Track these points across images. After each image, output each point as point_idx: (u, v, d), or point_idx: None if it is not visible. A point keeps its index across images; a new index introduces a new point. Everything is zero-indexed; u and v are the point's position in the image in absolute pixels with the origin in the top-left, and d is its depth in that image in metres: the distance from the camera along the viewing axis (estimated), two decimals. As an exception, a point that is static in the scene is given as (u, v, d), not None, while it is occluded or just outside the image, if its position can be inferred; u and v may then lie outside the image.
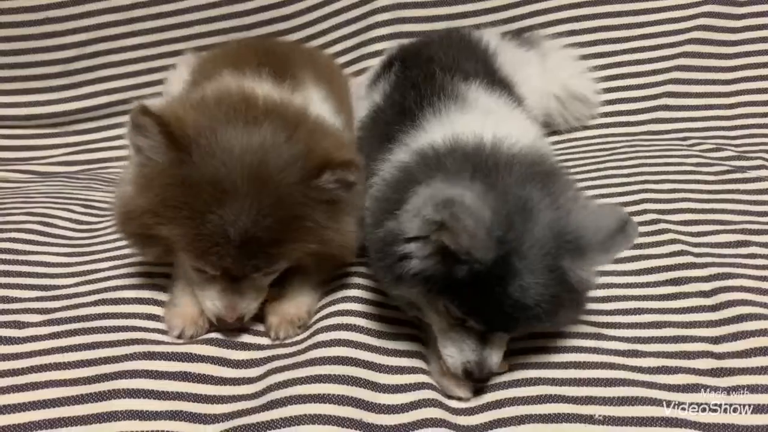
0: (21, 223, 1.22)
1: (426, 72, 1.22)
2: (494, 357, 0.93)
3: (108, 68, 1.61)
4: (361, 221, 1.05)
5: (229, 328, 1.01)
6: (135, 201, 0.95)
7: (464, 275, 0.85)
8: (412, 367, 0.97)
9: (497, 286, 0.85)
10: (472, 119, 1.06)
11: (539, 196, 0.90)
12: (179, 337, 1.00)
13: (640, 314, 1.07)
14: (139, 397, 0.90)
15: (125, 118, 1.49)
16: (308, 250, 0.97)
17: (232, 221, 0.90)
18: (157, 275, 1.11)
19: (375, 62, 1.53)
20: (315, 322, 1.04)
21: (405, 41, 1.57)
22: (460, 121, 1.06)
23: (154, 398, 0.91)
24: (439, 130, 1.04)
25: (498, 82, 1.25)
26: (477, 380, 0.93)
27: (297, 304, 1.05)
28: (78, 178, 1.49)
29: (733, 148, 1.49)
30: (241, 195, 0.90)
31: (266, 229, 0.91)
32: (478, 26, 1.60)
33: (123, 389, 0.91)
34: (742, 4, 1.63)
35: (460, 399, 0.95)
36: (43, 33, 1.57)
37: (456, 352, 0.92)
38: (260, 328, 1.05)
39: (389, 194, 0.99)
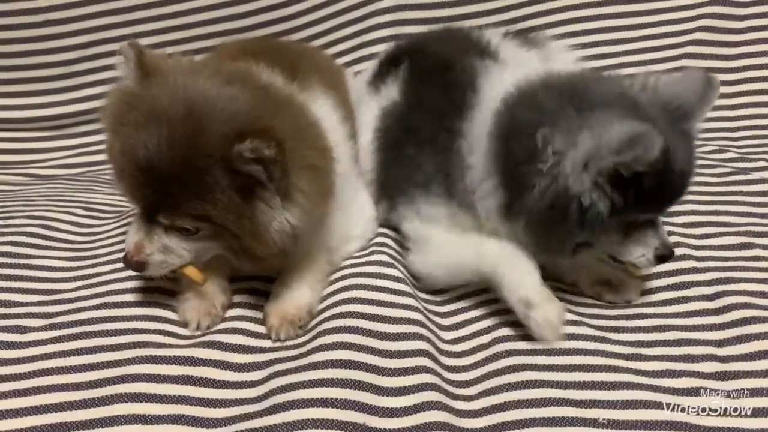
0: (22, 226, 1.22)
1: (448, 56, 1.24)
2: (665, 233, 1.05)
3: (109, 71, 1.60)
4: (296, 225, 0.98)
5: (129, 268, 1.02)
6: (104, 106, 1.03)
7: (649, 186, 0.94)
8: (416, 366, 0.96)
9: (668, 178, 0.96)
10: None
11: (625, 88, 1.02)
12: (197, 329, 1.02)
13: (643, 318, 1.07)
14: (141, 401, 0.90)
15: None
16: (211, 217, 0.93)
17: (145, 141, 0.91)
18: (159, 279, 1.10)
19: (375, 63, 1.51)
20: (317, 324, 1.03)
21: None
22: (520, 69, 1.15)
23: (157, 402, 0.91)
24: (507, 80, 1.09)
25: None
26: (668, 257, 1.05)
27: (297, 304, 1.05)
28: (79, 181, 1.49)
29: (736, 149, 1.49)
30: (162, 122, 0.91)
31: (170, 165, 0.91)
32: (480, 28, 1.58)
33: (125, 393, 0.91)
34: (745, 5, 1.63)
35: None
36: (44, 35, 1.57)
37: (643, 249, 1.03)
38: (261, 330, 1.05)
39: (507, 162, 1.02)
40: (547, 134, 0.97)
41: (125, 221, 1.26)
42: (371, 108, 1.31)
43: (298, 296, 1.06)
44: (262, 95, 0.99)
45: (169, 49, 1.61)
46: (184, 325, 1.04)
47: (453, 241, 1.13)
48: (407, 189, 1.18)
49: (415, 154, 1.16)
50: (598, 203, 0.96)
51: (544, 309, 1.00)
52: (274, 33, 1.62)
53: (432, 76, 1.23)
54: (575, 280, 1.13)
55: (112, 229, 1.25)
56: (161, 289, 1.09)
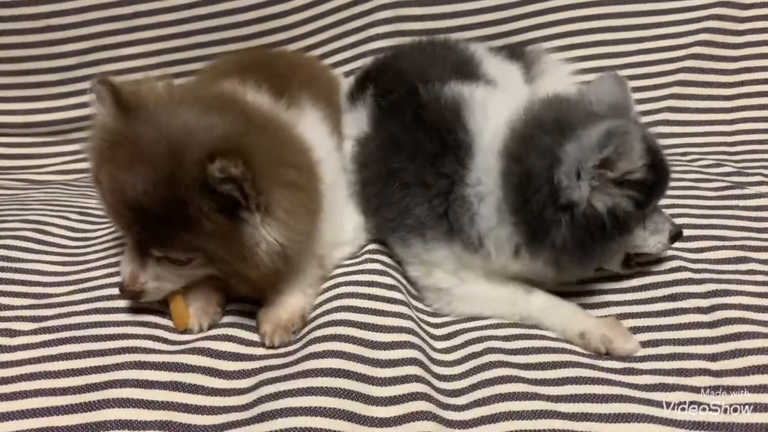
0: (16, 230, 1.22)
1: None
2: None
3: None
4: (291, 246, 0.98)
5: (126, 298, 1.04)
6: (89, 146, 1.04)
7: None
8: (406, 375, 0.96)
9: (660, 165, 1.04)
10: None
11: (583, 106, 1.10)
12: (200, 331, 1.04)
13: (636, 332, 1.06)
14: (128, 407, 0.90)
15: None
16: (201, 246, 0.95)
17: (131, 182, 0.92)
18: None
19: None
20: (308, 333, 1.03)
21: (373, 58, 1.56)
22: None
23: (144, 408, 0.90)
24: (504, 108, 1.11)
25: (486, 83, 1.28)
26: (680, 234, 1.13)
27: (290, 309, 1.05)
28: (74, 186, 1.49)
29: (733, 163, 1.49)
30: (144, 162, 0.92)
31: (156, 205, 0.92)
32: (478, 24, 1.63)
33: (113, 399, 0.90)
34: (743, 20, 1.63)
35: (631, 353, 1.03)
36: (44, 41, 1.57)
37: (659, 236, 1.10)
38: (252, 337, 1.04)
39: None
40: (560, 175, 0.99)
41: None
42: (348, 123, 1.32)
43: (291, 302, 1.06)
44: (239, 118, 1.00)
45: (170, 57, 1.62)
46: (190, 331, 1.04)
47: (479, 295, 1.13)
48: (398, 231, 1.16)
49: (401, 197, 1.13)
50: (621, 203, 1.01)
51: (600, 331, 1.04)
52: (272, 42, 1.63)
53: (403, 107, 1.19)
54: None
55: (106, 234, 1.25)
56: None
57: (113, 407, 0.89)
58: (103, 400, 0.90)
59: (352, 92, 1.36)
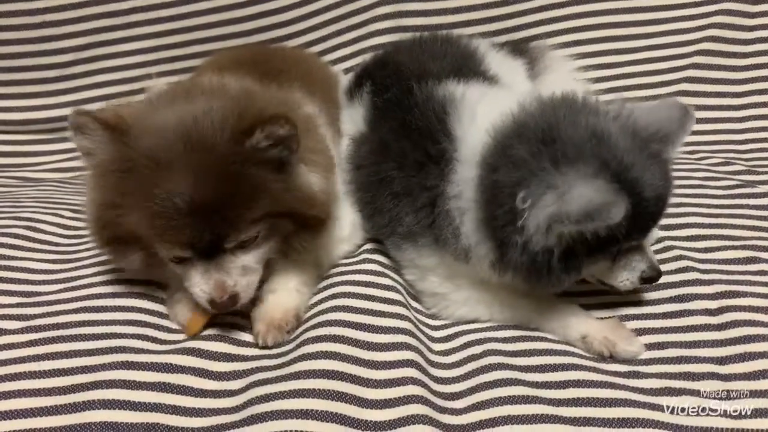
0: (6, 227, 1.20)
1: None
2: (652, 254, 1.05)
3: (105, 73, 1.59)
4: (328, 167, 1.05)
5: (225, 311, 0.98)
6: (94, 200, 0.96)
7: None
8: (403, 378, 0.93)
9: (641, 207, 0.94)
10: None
11: (598, 120, 0.97)
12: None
13: (641, 334, 1.03)
14: (114, 408, 0.87)
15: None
16: (267, 209, 0.94)
17: (177, 191, 0.89)
18: (141, 283, 1.08)
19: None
20: (302, 333, 1.00)
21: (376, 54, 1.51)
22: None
23: (130, 409, 0.87)
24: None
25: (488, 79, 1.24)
26: (655, 279, 1.04)
27: (284, 308, 1.02)
28: (69, 184, 1.47)
29: (743, 162, 1.45)
30: (178, 164, 0.89)
31: (209, 194, 0.90)
32: (480, 20, 1.60)
33: (98, 400, 0.88)
34: (753, 15, 1.60)
35: (635, 355, 0.99)
36: (40, 37, 1.56)
37: (628, 274, 1.02)
38: (244, 337, 1.02)
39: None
40: (525, 195, 0.93)
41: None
42: (346, 119, 1.29)
43: (285, 301, 1.04)
44: (238, 95, 0.99)
45: (167, 53, 1.60)
46: (181, 328, 1.01)
47: (476, 300, 1.10)
48: (391, 237, 1.14)
49: (392, 206, 1.11)
50: (577, 250, 0.94)
51: (603, 334, 1.01)
52: (272, 38, 1.61)
53: (395, 108, 1.16)
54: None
55: (97, 233, 1.22)
56: (144, 294, 1.07)
57: (99, 408, 0.87)
58: (88, 401, 0.87)
59: (350, 88, 1.33)
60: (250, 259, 0.98)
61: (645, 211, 0.95)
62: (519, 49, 1.53)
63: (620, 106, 1.01)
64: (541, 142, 0.95)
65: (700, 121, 1.56)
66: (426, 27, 1.60)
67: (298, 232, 1.02)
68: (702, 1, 1.60)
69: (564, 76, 1.53)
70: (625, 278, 1.03)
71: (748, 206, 1.28)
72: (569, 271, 0.97)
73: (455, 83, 1.14)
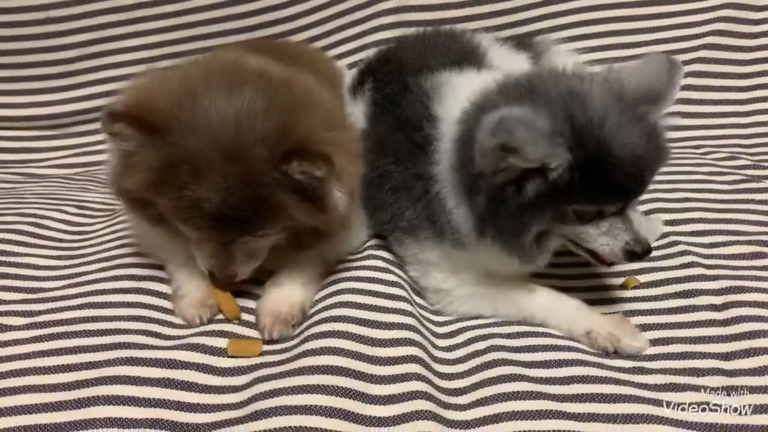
0: (11, 224, 1.20)
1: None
2: (642, 230, 0.99)
3: (110, 69, 1.59)
4: (351, 193, 1.04)
5: (221, 282, 1.03)
6: (123, 181, 0.97)
7: (572, 177, 0.90)
8: (406, 374, 0.92)
9: (612, 166, 0.91)
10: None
11: (581, 83, 0.96)
12: (200, 324, 1.02)
13: (646, 330, 1.03)
14: (118, 404, 0.87)
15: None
16: (287, 225, 0.97)
17: (206, 197, 0.90)
18: (146, 278, 1.08)
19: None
20: (306, 329, 1.00)
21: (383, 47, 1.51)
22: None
23: (135, 405, 0.87)
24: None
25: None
26: (640, 256, 0.98)
27: (289, 302, 1.03)
28: (74, 180, 1.47)
29: (748, 156, 1.44)
30: (213, 173, 0.90)
31: (237, 207, 0.91)
32: (484, 14, 1.59)
33: (102, 396, 0.88)
34: (759, 9, 1.59)
35: (639, 351, 0.99)
36: (45, 33, 1.56)
37: (609, 239, 0.97)
38: (250, 333, 1.02)
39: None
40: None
41: (118, 220, 1.24)
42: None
43: (291, 295, 1.04)
44: (285, 90, 0.98)
45: (171, 49, 1.59)
46: (187, 324, 1.02)
47: (480, 295, 1.09)
48: (393, 232, 1.15)
49: (393, 201, 1.12)
50: (526, 187, 0.92)
51: (607, 329, 1.01)
52: (276, 33, 1.60)
53: (393, 104, 1.16)
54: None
55: (104, 228, 1.23)
56: (148, 290, 1.06)
57: (103, 404, 0.87)
58: (92, 397, 0.87)
59: (353, 85, 1.33)
60: (259, 245, 1.00)
61: (617, 171, 0.91)
62: (523, 43, 1.52)
63: (607, 71, 1.00)
64: (517, 97, 0.95)
65: (705, 115, 1.56)
66: (430, 22, 1.59)
67: (310, 232, 1.01)
68: (709, -5, 1.59)
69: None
70: (605, 243, 0.98)
71: (753, 201, 1.27)
72: (530, 219, 0.94)
73: (447, 72, 1.14)
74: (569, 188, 0.91)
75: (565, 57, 1.55)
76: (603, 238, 0.97)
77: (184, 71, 0.99)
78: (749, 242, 1.17)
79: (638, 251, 0.97)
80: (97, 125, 1.59)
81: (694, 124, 1.54)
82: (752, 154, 1.46)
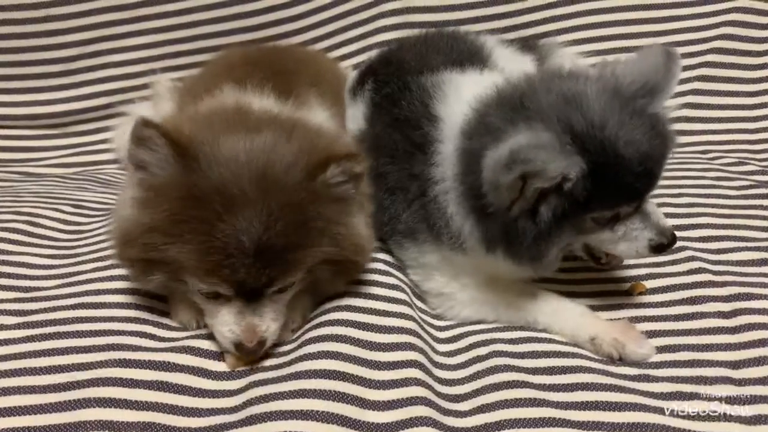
0: (7, 222, 1.18)
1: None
2: (660, 219, 0.98)
3: (110, 68, 1.58)
4: (370, 223, 1.03)
5: (249, 357, 0.93)
6: (138, 221, 0.89)
7: (584, 185, 0.88)
8: (406, 378, 0.90)
9: (620, 167, 0.89)
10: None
11: (575, 85, 0.93)
12: (197, 327, 0.98)
13: (652, 337, 1.00)
14: (110, 407, 0.85)
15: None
16: (323, 255, 0.91)
17: (245, 228, 0.84)
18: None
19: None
20: (303, 333, 0.98)
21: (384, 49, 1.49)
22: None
23: (127, 408, 0.85)
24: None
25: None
26: (668, 246, 0.97)
27: (290, 306, 0.99)
28: (71, 179, 1.45)
29: (756, 162, 1.42)
30: (251, 201, 0.85)
31: (279, 234, 0.86)
32: (489, 16, 1.57)
33: (94, 398, 0.86)
34: (767, 14, 1.56)
35: (645, 358, 0.96)
36: (44, 31, 1.54)
37: (629, 245, 0.97)
38: (245, 337, 0.99)
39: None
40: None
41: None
42: (349, 117, 1.27)
43: (292, 299, 1.00)
44: (296, 126, 0.97)
45: (173, 48, 1.58)
46: (183, 328, 0.99)
47: (482, 300, 1.07)
48: (392, 235, 1.12)
49: (390, 203, 1.09)
50: (542, 211, 0.91)
51: (612, 335, 0.98)
52: (279, 34, 1.59)
53: (391, 103, 1.14)
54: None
55: (100, 227, 1.21)
56: (143, 291, 1.03)
57: (94, 407, 0.85)
58: (84, 399, 0.85)
59: (354, 86, 1.31)
60: (283, 300, 0.94)
61: (627, 171, 0.90)
62: (528, 45, 1.50)
63: (602, 67, 0.98)
64: (512, 108, 0.93)
65: (713, 120, 1.54)
66: (434, 23, 1.58)
67: (331, 278, 0.99)
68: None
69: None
70: (629, 248, 0.97)
71: (762, 207, 1.25)
72: (547, 238, 0.92)
73: (448, 72, 1.12)
74: (584, 197, 0.89)
75: (570, 60, 1.53)
76: (624, 244, 0.97)
77: (196, 116, 0.98)
78: (758, 248, 1.15)
79: (665, 242, 0.97)
80: (96, 125, 1.59)
81: (701, 129, 1.52)
82: (760, 160, 1.43)
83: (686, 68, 1.55)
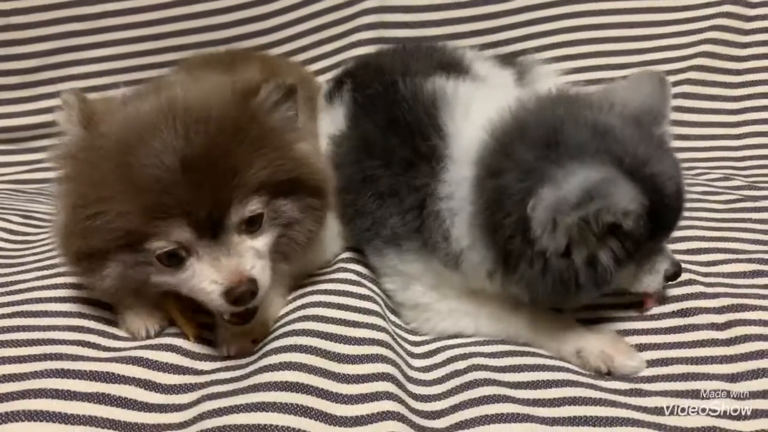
0: (-53, 230, 1.09)
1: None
2: (669, 251, 0.98)
3: (72, 81, 1.51)
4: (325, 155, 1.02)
5: (245, 304, 0.83)
6: (67, 204, 0.84)
7: (645, 225, 0.85)
8: (376, 393, 0.82)
9: (664, 203, 0.87)
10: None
11: (598, 114, 0.90)
12: (147, 336, 0.92)
13: (643, 350, 0.94)
14: (40, 420, 0.76)
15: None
16: (270, 176, 0.84)
17: (162, 148, 0.79)
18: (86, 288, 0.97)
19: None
20: (266, 344, 0.89)
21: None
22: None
23: (60, 422, 0.76)
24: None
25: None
26: (678, 274, 0.97)
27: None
28: (23, 192, 1.37)
29: (742, 178, 1.37)
30: (163, 124, 0.80)
31: (205, 147, 0.80)
32: (466, 33, 1.55)
33: (22, 411, 0.76)
34: (746, 33, 1.55)
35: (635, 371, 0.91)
36: (3, 41, 1.48)
37: (654, 278, 0.95)
38: (200, 350, 0.91)
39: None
40: (534, 203, 0.84)
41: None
42: (325, 120, 1.21)
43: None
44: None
45: (140, 60, 1.52)
46: (132, 337, 0.92)
47: (461, 312, 1.00)
48: (373, 241, 1.05)
49: (376, 208, 1.02)
50: (603, 256, 0.86)
51: (600, 348, 0.93)
52: (251, 48, 1.53)
53: (379, 104, 1.09)
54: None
55: (48, 238, 1.12)
56: (90, 300, 0.96)
57: (22, 420, 0.75)
58: (10, 412, 0.76)
59: (330, 90, 1.26)
60: (259, 243, 0.86)
61: (669, 207, 0.89)
62: (507, 61, 1.47)
63: (605, 95, 0.95)
64: (546, 145, 0.87)
65: (695, 137, 1.50)
66: (409, 39, 1.54)
67: (301, 220, 0.91)
68: (695, 18, 1.56)
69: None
70: (652, 281, 0.96)
71: (750, 220, 1.20)
72: (598, 283, 0.87)
73: (445, 79, 1.07)
74: (641, 235, 0.86)
75: (548, 77, 1.49)
76: (648, 278, 0.96)
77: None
78: (749, 260, 1.09)
79: (677, 272, 0.97)
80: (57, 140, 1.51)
81: (684, 146, 1.47)
82: (746, 176, 1.39)
83: (667, 85, 1.53)
